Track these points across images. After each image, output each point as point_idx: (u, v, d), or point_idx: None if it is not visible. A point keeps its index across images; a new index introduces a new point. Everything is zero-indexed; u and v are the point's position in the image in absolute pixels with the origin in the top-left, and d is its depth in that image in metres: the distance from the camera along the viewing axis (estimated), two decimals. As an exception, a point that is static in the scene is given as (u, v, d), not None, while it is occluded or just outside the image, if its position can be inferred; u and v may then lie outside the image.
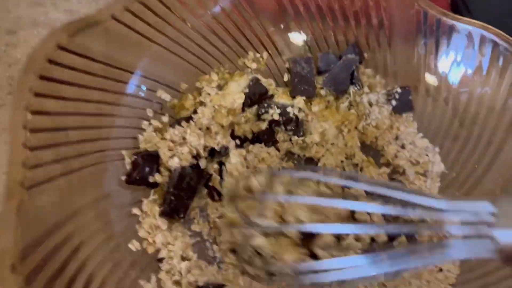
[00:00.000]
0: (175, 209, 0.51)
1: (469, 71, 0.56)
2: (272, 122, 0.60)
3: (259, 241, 0.43)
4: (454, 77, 0.57)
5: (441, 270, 0.53)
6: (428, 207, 0.38)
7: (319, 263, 0.41)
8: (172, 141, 0.54)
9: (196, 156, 0.54)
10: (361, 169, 0.60)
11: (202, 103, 0.57)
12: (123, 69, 0.51)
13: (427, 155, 0.59)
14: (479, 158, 0.57)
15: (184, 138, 0.54)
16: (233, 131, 0.59)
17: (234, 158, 0.55)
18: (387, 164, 0.60)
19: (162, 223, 0.49)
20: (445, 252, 0.36)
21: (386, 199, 0.41)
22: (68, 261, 0.42)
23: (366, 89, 0.61)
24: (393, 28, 0.60)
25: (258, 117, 0.60)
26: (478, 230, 0.35)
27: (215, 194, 0.56)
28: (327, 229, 0.42)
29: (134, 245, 0.48)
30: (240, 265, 0.46)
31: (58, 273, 0.39)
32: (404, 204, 0.39)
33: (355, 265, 0.38)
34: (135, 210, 0.50)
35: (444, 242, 0.37)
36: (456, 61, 0.56)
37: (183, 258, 0.49)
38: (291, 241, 0.44)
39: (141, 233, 0.49)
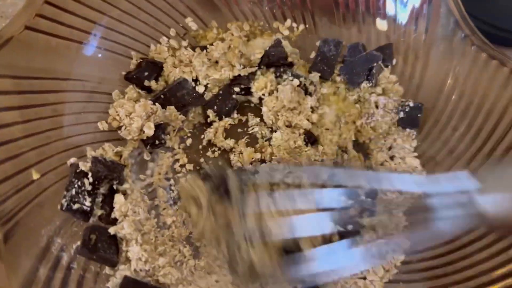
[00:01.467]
0: (162, 103, 0.55)
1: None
2: (283, 87, 0.62)
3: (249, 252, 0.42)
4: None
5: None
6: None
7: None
8: (180, 60, 0.58)
9: (196, 81, 0.59)
10: (349, 161, 0.59)
11: (222, 39, 0.61)
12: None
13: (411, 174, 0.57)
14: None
15: (190, 61, 0.58)
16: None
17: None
18: (369, 168, 0.59)
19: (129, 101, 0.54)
20: (433, 226, 0.37)
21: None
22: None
23: (379, 90, 0.60)
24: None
25: (272, 78, 0.62)
26: (461, 200, 0.36)
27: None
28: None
29: (102, 125, 0.54)
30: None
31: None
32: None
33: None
34: (114, 94, 0.56)
35: (430, 216, 0.38)
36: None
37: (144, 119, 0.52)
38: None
39: (111, 111, 0.54)
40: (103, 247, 0.44)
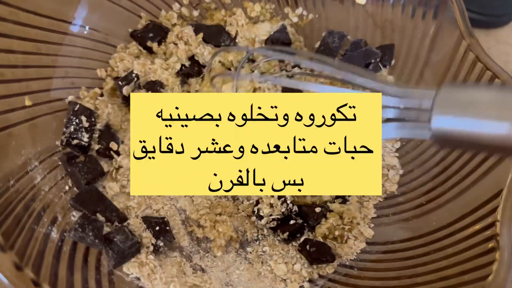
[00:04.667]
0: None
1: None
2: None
3: None
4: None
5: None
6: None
7: None
8: (180, 37, 0.61)
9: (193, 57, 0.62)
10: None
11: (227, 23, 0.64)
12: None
13: (388, 170, 0.58)
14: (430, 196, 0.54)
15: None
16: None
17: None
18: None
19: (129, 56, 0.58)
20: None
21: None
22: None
23: (373, 87, 0.62)
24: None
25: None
26: (416, 115, 0.39)
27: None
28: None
29: (101, 73, 0.57)
30: None
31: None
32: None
33: None
34: (119, 47, 0.59)
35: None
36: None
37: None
38: None
39: (111, 62, 0.58)
40: (83, 169, 0.49)
